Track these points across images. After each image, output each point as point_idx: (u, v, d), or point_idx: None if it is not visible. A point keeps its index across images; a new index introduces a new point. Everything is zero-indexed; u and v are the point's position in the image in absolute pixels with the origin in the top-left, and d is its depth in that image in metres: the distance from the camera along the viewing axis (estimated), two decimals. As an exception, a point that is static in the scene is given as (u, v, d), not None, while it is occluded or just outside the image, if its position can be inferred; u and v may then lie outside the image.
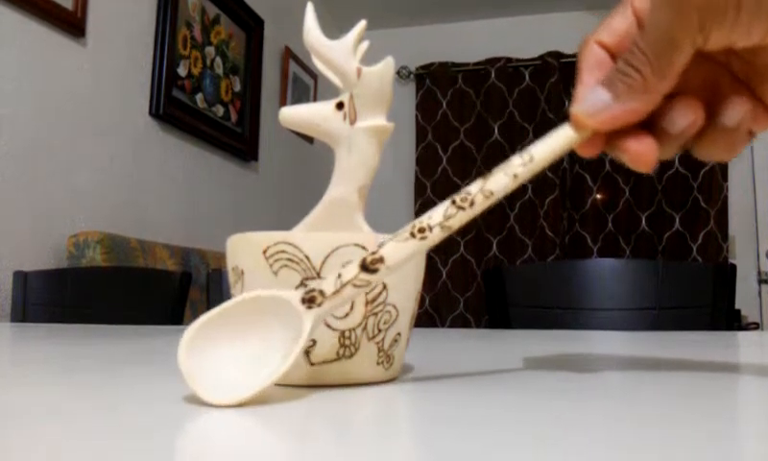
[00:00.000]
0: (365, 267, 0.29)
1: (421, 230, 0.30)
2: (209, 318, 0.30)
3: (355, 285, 0.29)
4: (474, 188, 0.30)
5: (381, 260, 0.29)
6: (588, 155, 0.32)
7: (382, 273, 0.30)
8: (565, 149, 0.31)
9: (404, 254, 0.30)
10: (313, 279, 0.35)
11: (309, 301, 0.29)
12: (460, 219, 0.30)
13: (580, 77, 0.33)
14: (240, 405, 0.27)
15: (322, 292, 0.30)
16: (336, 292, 0.29)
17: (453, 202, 0.30)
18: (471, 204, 0.30)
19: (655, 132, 0.31)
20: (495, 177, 0.30)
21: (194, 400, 0.29)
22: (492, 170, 0.31)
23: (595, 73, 0.32)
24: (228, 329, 0.30)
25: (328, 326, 0.36)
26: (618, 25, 0.33)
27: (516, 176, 0.30)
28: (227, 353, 0.30)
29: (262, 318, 0.31)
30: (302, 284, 0.36)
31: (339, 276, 0.30)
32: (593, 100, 0.31)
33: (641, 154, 0.31)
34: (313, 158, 3.51)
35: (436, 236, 0.30)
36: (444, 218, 0.30)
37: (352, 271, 0.30)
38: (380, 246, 0.30)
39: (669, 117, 0.31)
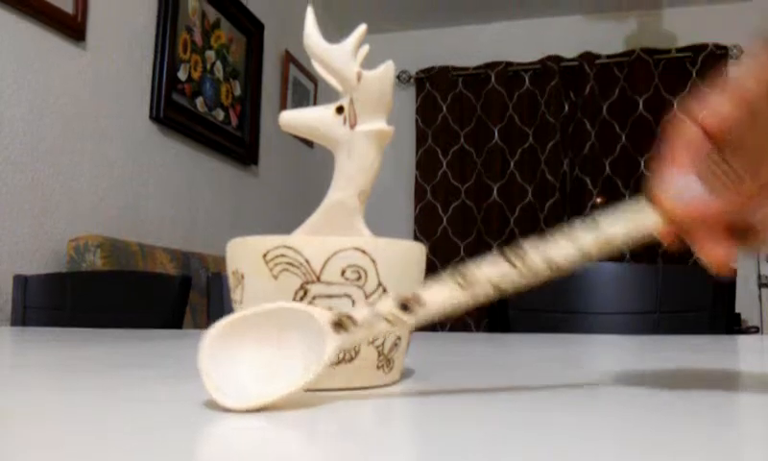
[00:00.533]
0: (401, 304, 0.28)
1: (468, 282, 0.28)
2: (231, 321, 0.30)
3: (387, 320, 0.28)
4: (535, 255, 0.27)
5: (419, 301, 0.28)
6: (670, 244, 0.30)
7: (418, 314, 0.28)
8: (643, 232, 0.28)
9: (444, 301, 0.28)
10: (313, 282, 0.35)
11: (338, 325, 0.29)
12: (512, 282, 0.27)
13: (672, 156, 0.30)
14: (245, 411, 0.27)
15: (352, 320, 0.28)
16: (367, 323, 0.28)
17: (508, 259, 0.28)
18: (529, 269, 0.27)
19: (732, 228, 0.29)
20: (560, 245, 0.28)
21: (196, 402, 0.29)
22: (554, 233, 0.28)
23: (688, 155, 0.29)
24: (247, 335, 0.30)
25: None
26: (722, 108, 0.29)
27: (583, 250, 0.28)
28: (244, 359, 0.30)
29: (284, 329, 0.30)
30: (303, 288, 0.36)
31: (373, 307, 0.28)
32: (685, 190, 0.28)
33: (719, 258, 0.29)
34: (313, 163, 3.51)
35: (483, 291, 0.28)
36: (498, 276, 0.28)
37: (387, 305, 0.28)
38: (423, 288, 0.28)
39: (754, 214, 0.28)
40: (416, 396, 0.33)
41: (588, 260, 0.28)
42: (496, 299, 0.28)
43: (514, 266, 0.27)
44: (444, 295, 0.28)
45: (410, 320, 0.28)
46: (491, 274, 0.28)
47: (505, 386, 0.35)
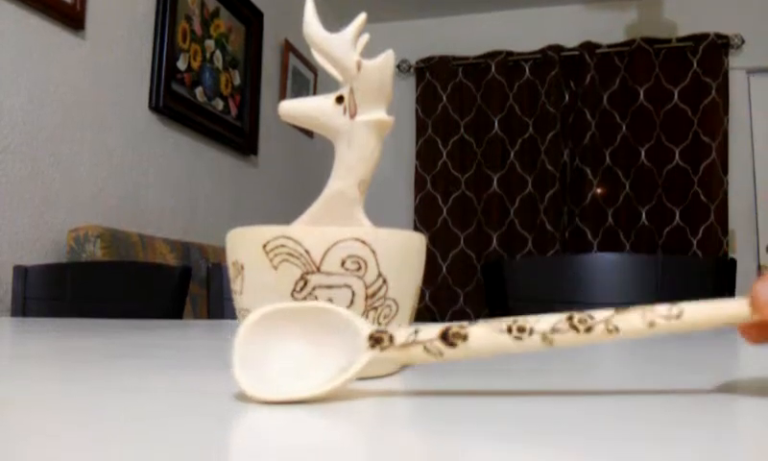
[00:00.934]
0: (444, 336, 0.27)
1: (520, 330, 0.26)
2: (269, 313, 0.30)
3: (427, 349, 0.27)
4: (600, 315, 0.26)
5: (464, 338, 0.27)
6: (749, 340, 0.28)
7: (459, 350, 0.27)
8: (727, 322, 0.27)
9: (490, 345, 0.27)
10: (313, 273, 0.35)
11: (376, 340, 0.28)
12: (568, 340, 0.26)
13: None
14: (250, 400, 0.27)
15: (392, 339, 0.28)
16: (404, 346, 0.27)
17: (570, 318, 0.26)
18: (588, 329, 0.26)
19: None
20: (629, 315, 0.26)
21: (196, 392, 0.29)
22: (630, 306, 0.26)
23: None
24: (281, 327, 0.30)
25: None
26: None
27: (652, 324, 0.26)
28: (275, 351, 0.29)
29: (321, 327, 0.30)
30: (303, 279, 0.36)
31: (416, 332, 0.28)
32: None
33: None
34: (313, 153, 3.51)
35: (533, 343, 0.26)
36: (550, 329, 0.26)
37: (430, 334, 0.27)
38: (471, 323, 0.27)
39: None
40: (416, 386, 0.33)
41: (653, 333, 0.26)
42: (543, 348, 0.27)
43: (576, 331, 0.26)
44: (490, 337, 0.27)
45: (449, 354, 0.27)
46: (549, 332, 0.26)
47: (505, 376, 0.35)
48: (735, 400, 0.28)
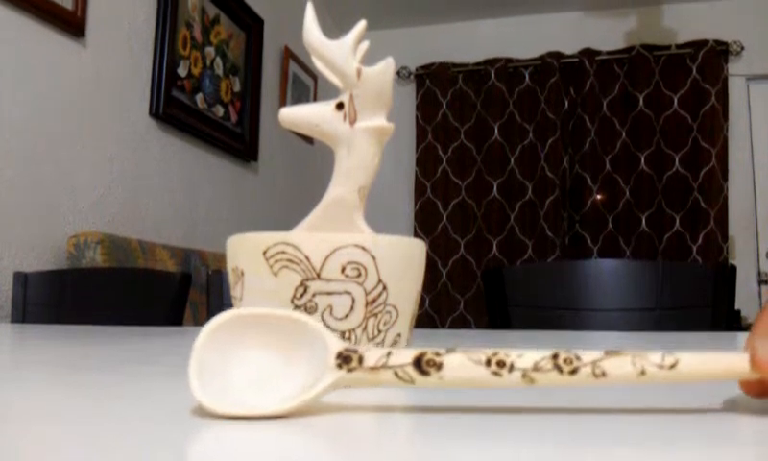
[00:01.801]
0: (417, 363, 0.25)
1: (499, 364, 0.25)
2: (228, 319, 0.27)
3: (397, 375, 0.26)
4: (587, 357, 0.25)
5: (438, 366, 0.25)
6: (750, 394, 0.27)
7: (432, 379, 0.25)
8: (725, 377, 0.25)
9: (465, 377, 0.25)
10: (313, 279, 0.35)
11: (345, 359, 0.26)
12: (550, 380, 0.25)
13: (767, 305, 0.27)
14: (207, 414, 0.26)
15: (361, 360, 0.26)
16: (374, 369, 0.26)
17: (554, 356, 0.25)
18: (574, 371, 0.25)
19: None
20: (618, 360, 0.25)
21: (194, 401, 0.28)
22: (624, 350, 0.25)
23: None
24: (247, 336, 0.28)
25: (328, 327, 0.36)
26: None
27: (643, 372, 0.25)
28: (239, 361, 0.27)
29: (290, 336, 0.28)
30: (303, 285, 0.35)
31: (388, 354, 0.26)
32: None
33: None
34: (313, 159, 3.51)
35: (512, 380, 0.25)
36: (532, 366, 0.25)
37: (403, 358, 0.26)
38: (448, 351, 0.26)
39: None
40: (416, 394, 0.33)
41: (643, 382, 0.25)
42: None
43: (560, 371, 0.25)
44: (467, 369, 0.25)
45: (421, 382, 0.25)
46: (530, 369, 0.25)
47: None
48: (736, 418, 0.28)
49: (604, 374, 0.25)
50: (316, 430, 0.24)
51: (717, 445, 0.22)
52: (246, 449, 0.21)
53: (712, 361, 0.25)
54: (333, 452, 0.21)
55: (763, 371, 0.24)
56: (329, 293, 0.35)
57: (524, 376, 0.25)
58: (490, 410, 0.27)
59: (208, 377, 0.26)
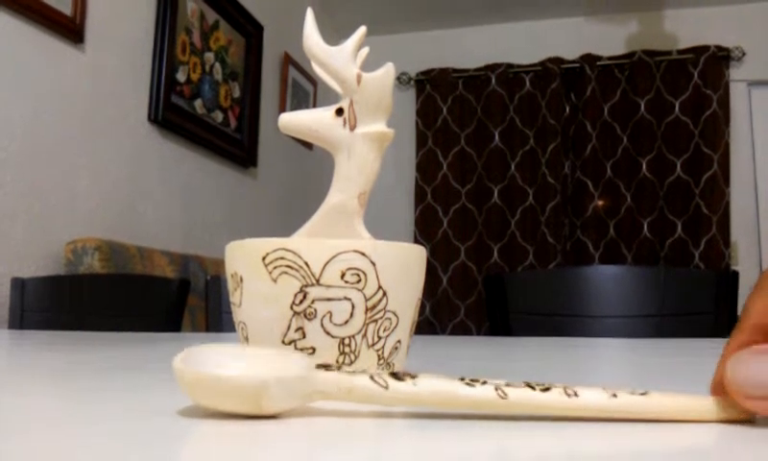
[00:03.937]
0: (394, 372, 0.26)
1: (472, 380, 0.26)
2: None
3: (373, 378, 0.26)
4: (560, 391, 0.25)
5: (412, 376, 0.26)
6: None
7: (406, 384, 0.26)
8: (697, 418, 0.25)
9: (438, 388, 0.26)
10: (312, 285, 0.35)
11: (324, 366, 0.27)
12: (523, 406, 0.25)
13: (741, 326, 0.25)
14: (236, 416, 0.26)
15: (338, 364, 0.27)
16: (349, 372, 0.26)
17: (530, 384, 0.26)
18: (548, 401, 0.25)
19: None
20: (593, 391, 0.25)
21: (192, 408, 0.28)
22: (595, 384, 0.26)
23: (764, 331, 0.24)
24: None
25: (328, 333, 0.35)
26: None
27: (619, 405, 0.24)
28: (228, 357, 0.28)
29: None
30: (302, 291, 0.35)
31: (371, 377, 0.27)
32: (756, 373, 0.22)
33: None
34: (313, 165, 3.51)
35: (487, 397, 0.25)
36: (504, 383, 0.26)
37: (383, 375, 0.27)
38: (416, 376, 0.27)
39: None
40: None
41: (591, 415, 0.25)
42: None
43: (532, 388, 0.25)
44: (437, 382, 0.26)
45: (395, 387, 0.26)
46: (498, 381, 0.26)
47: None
48: (735, 428, 0.27)
49: (575, 394, 0.25)
50: (316, 430, 0.23)
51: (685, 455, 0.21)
52: (243, 453, 0.21)
53: (686, 403, 0.25)
54: (333, 452, 0.21)
55: (732, 394, 0.23)
56: (329, 299, 0.35)
57: (497, 389, 0.26)
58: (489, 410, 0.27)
59: (193, 359, 0.27)
